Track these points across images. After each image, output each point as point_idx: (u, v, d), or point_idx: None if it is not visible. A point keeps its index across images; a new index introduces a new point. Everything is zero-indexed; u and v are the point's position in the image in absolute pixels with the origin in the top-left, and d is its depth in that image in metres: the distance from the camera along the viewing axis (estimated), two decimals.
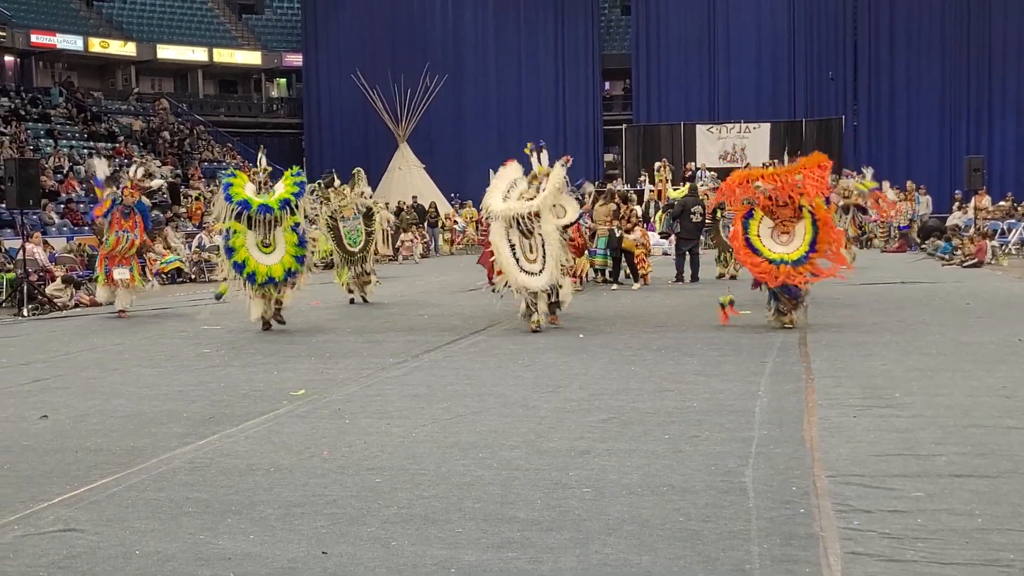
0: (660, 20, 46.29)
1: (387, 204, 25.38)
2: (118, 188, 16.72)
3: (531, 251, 13.15)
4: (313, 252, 15.06)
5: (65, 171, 33.20)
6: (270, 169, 14.81)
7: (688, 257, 19.88)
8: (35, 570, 4.89)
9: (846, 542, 4.91)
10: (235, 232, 13.95)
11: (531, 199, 13.18)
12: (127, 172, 16.72)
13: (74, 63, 44.38)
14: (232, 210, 13.88)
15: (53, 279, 19.90)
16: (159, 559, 4.99)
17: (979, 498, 5.54)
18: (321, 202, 17.73)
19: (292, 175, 14.37)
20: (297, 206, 14.16)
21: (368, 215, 17.89)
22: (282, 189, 14.20)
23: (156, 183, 19.77)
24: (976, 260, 22.97)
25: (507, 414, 8.05)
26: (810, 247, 12.49)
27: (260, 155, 15.04)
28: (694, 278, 19.76)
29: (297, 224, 14.15)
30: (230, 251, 13.95)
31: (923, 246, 28.30)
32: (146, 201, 17.09)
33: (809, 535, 5.02)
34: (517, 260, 13.11)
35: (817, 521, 5.22)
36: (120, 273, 16.02)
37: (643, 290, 18.50)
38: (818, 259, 12.61)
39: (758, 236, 12.65)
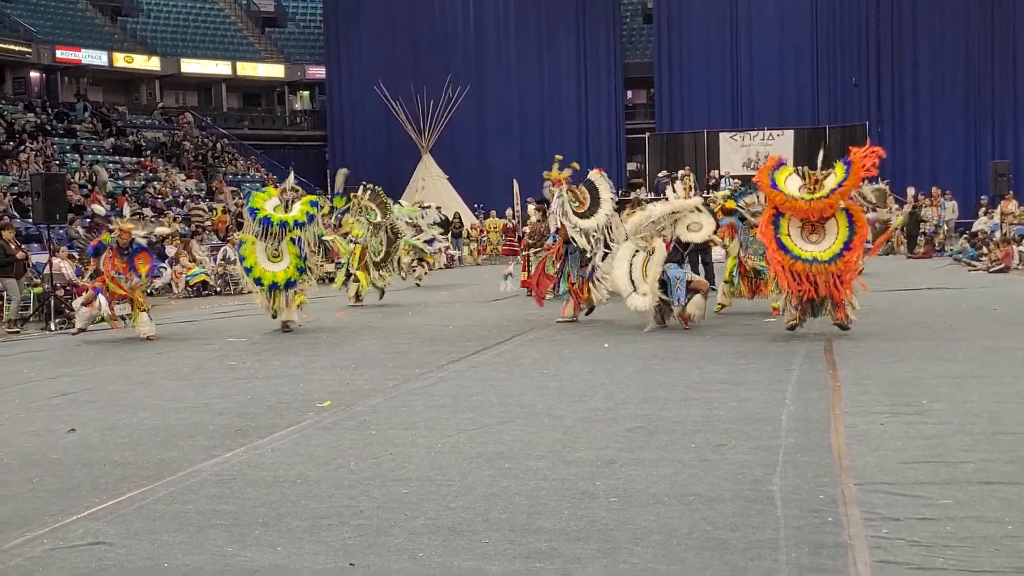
0: (682, 28, 46.21)
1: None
2: (110, 230, 15.74)
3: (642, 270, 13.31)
4: (315, 265, 16.37)
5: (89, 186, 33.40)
6: (299, 189, 16.49)
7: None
8: None
9: (875, 550, 4.88)
10: (243, 243, 15.73)
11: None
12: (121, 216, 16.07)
13: (99, 78, 44.63)
14: (255, 225, 15.42)
15: (80, 293, 19.98)
16: (187, 572, 5.01)
17: (1009, 505, 5.50)
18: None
19: (308, 203, 15.87)
20: (311, 222, 15.64)
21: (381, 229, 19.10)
22: (298, 208, 15.58)
23: (161, 231, 19.19)
24: (1003, 265, 22.85)
25: (533, 424, 8.04)
26: (844, 245, 12.12)
27: (290, 176, 16.84)
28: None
29: (299, 238, 15.50)
30: (242, 259, 15.68)
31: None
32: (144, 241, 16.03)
33: (837, 544, 5.00)
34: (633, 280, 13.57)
35: (845, 529, 5.20)
36: (121, 309, 15.18)
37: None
38: (852, 256, 12.21)
39: (788, 235, 12.31)
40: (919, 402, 8.29)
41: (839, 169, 12.18)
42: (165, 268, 17.54)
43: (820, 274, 12.07)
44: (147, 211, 33.43)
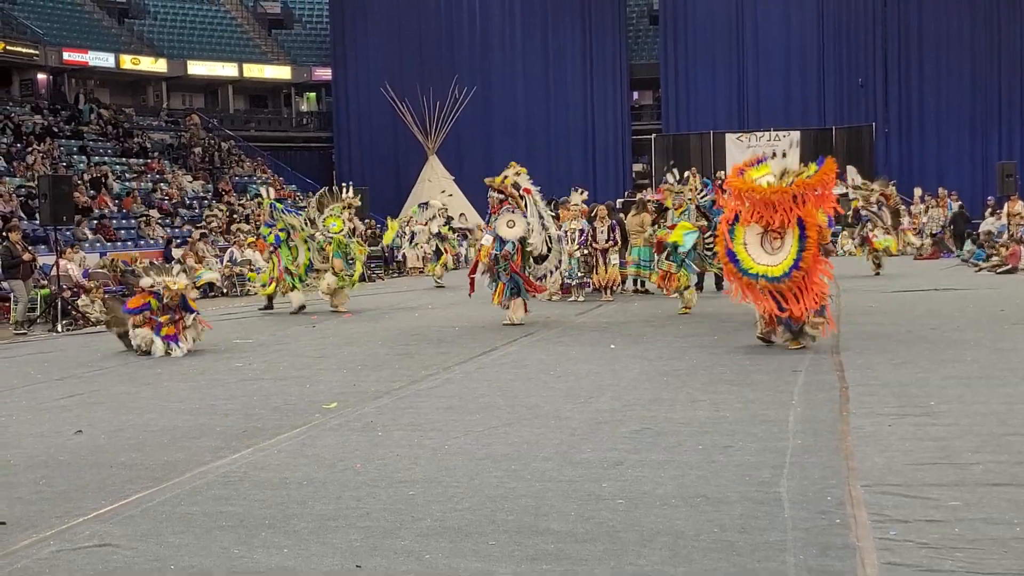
0: (688, 29, 46.22)
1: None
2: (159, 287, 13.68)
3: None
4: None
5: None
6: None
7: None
8: None
9: (883, 552, 4.87)
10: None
11: None
12: (166, 278, 13.58)
13: (106, 80, 44.70)
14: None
15: (87, 293, 20.03)
16: (194, 573, 5.01)
17: (1017, 507, 5.49)
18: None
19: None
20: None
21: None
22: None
23: (208, 277, 17.23)
24: (1010, 266, 22.80)
25: (539, 425, 8.03)
26: (794, 263, 11.26)
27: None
28: (718, 286, 19.52)
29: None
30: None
31: (955, 248, 28.13)
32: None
33: (845, 545, 4.99)
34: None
35: (853, 531, 5.19)
36: (180, 350, 13.58)
37: (673, 299, 18.38)
38: (802, 276, 11.31)
39: (744, 244, 11.58)
40: (927, 403, 8.27)
41: (811, 168, 11.74)
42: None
43: (767, 291, 11.45)
44: (154, 212, 33.52)
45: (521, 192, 15.12)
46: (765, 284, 11.38)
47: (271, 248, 18.95)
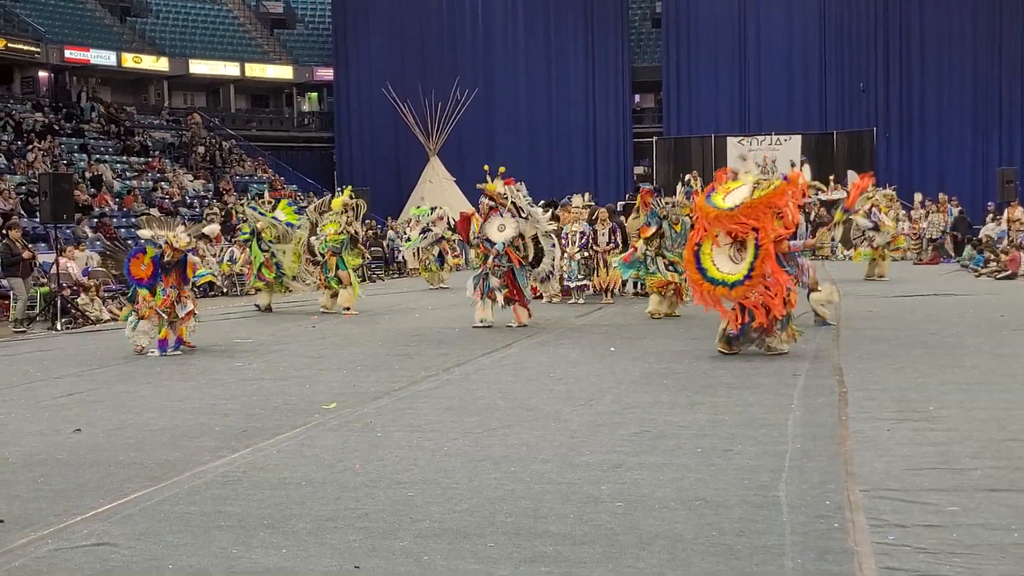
0: (690, 32, 46.18)
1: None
2: (157, 248, 13.48)
3: None
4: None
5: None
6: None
7: None
8: None
9: (881, 557, 4.88)
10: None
11: None
12: (168, 233, 13.26)
13: (107, 78, 44.68)
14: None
15: (86, 292, 20.02)
16: (192, 573, 5.01)
17: (1015, 512, 5.49)
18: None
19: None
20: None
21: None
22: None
23: (210, 230, 17.34)
24: (1009, 272, 22.81)
25: (539, 427, 8.04)
26: (747, 272, 11.17)
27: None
28: None
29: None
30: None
31: (955, 253, 28.12)
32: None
33: (843, 550, 4.99)
34: None
35: (851, 536, 5.19)
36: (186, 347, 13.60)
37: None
38: (756, 287, 11.23)
39: (711, 256, 11.49)
40: (926, 408, 8.27)
41: (774, 181, 11.46)
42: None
43: (723, 297, 11.42)
44: (154, 211, 33.48)
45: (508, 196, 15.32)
46: (724, 291, 11.35)
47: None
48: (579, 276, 18.68)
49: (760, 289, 11.25)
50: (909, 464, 6.52)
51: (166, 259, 13.31)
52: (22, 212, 27.74)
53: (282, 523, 5.72)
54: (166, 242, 13.24)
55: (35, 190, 25.29)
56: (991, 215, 32.02)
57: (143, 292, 13.36)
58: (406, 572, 4.93)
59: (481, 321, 15.19)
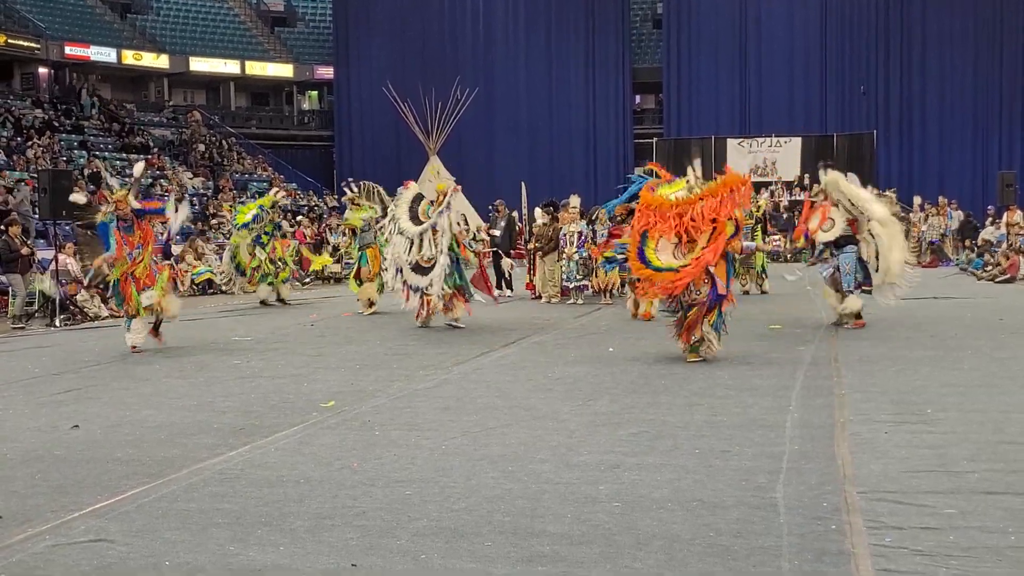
0: (691, 33, 46.19)
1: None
2: (109, 206, 13.71)
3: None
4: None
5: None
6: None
7: None
8: None
9: (878, 559, 4.88)
10: None
11: None
12: (110, 189, 13.74)
13: (107, 75, 44.67)
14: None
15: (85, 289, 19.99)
16: (189, 570, 5.01)
17: (1012, 515, 5.49)
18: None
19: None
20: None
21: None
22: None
23: (137, 168, 16.15)
24: (1009, 275, 22.82)
25: (537, 427, 8.04)
26: (699, 257, 11.07)
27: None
28: None
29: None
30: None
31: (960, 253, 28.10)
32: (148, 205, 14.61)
33: (840, 552, 4.99)
34: None
35: (848, 538, 5.19)
36: (147, 298, 13.40)
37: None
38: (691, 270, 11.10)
39: (655, 250, 11.36)
40: (924, 411, 8.28)
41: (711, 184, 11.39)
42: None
43: (666, 284, 11.24)
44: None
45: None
46: (671, 276, 11.16)
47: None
48: (578, 277, 18.70)
49: (702, 276, 11.18)
50: (906, 466, 6.53)
51: (119, 215, 13.41)
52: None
53: (279, 521, 5.72)
54: (113, 204, 13.46)
55: (35, 187, 25.23)
56: (991, 219, 32.05)
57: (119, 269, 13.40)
58: (403, 570, 4.93)
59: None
